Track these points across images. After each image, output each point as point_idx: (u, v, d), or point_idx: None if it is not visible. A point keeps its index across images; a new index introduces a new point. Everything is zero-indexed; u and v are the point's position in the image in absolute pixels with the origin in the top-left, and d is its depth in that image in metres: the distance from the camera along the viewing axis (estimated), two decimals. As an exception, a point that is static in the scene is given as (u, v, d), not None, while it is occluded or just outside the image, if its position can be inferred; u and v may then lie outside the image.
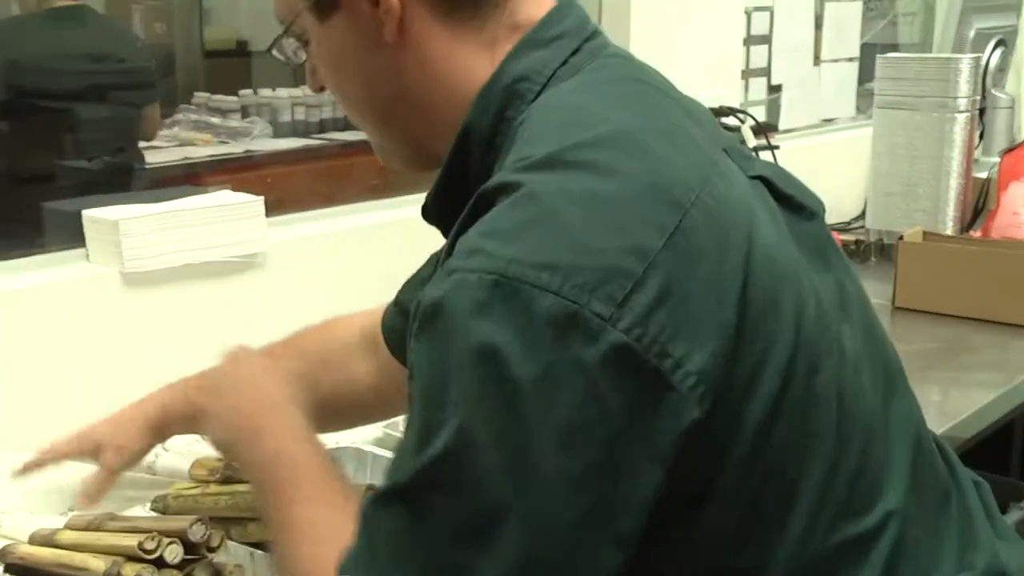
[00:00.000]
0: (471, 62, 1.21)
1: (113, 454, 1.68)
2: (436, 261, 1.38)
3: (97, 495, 1.65)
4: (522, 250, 1.00)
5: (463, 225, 1.10)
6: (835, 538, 1.11)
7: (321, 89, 1.34)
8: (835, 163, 3.61)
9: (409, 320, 1.07)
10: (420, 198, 2.67)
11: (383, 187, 5.20)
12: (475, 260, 1.01)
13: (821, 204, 1.31)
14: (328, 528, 1.16)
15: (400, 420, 1.86)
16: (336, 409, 1.69)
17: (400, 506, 1.03)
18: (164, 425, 1.73)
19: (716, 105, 3.26)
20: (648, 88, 1.23)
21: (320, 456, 1.30)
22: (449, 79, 1.22)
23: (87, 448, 1.70)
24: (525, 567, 0.99)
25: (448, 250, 1.13)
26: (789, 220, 1.21)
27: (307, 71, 1.35)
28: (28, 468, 1.71)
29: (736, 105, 3.34)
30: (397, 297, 1.73)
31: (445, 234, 1.23)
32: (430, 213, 1.29)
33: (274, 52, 1.34)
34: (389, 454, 1.75)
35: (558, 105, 1.17)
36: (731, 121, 3.27)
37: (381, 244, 2.52)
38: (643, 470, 1.00)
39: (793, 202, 1.24)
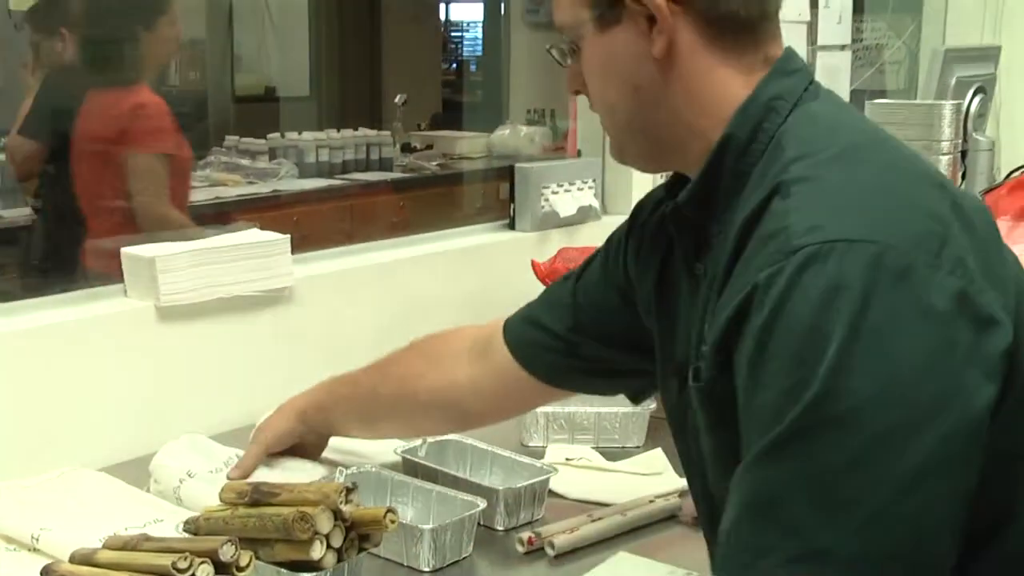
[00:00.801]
0: (728, 84, 1.30)
1: (263, 432, 1.90)
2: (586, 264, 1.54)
3: (249, 468, 1.83)
4: (851, 223, 1.11)
5: (757, 212, 1.20)
6: None
7: (576, 92, 1.42)
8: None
9: (749, 297, 1.14)
10: (435, 236, 2.69)
11: (401, 225, 5.23)
12: (818, 234, 1.11)
13: None
14: None
15: (417, 445, 1.86)
16: (438, 405, 1.80)
17: (790, 453, 1.09)
18: (303, 411, 1.92)
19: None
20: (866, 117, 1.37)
21: None
22: (706, 96, 1.31)
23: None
24: (915, 477, 1.06)
25: (738, 249, 1.21)
26: None
27: (569, 74, 1.41)
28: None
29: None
30: (529, 313, 1.77)
31: (686, 230, 1.35)
32: (680, 214, 1.35)
33: (552, 52, 1.41)
34: (407, 478, 1.76)
35: (816, 115, 1.28)
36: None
37: (399, 279, 2.53)
38: (978, 383, 1.10)
39: None
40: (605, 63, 1.34)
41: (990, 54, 4.34)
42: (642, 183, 3.07)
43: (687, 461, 1.43)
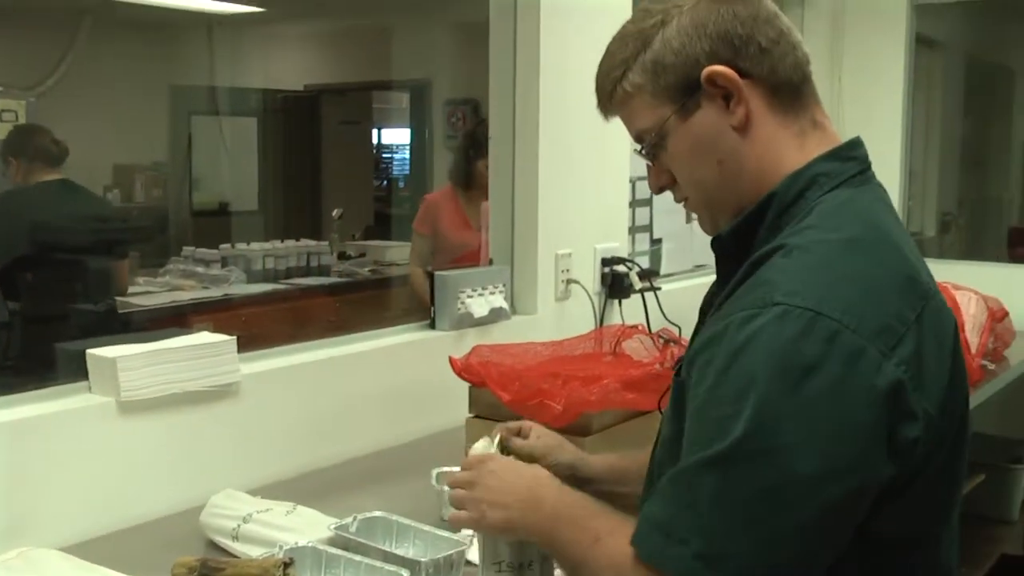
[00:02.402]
0: (786, 146, 1.34)
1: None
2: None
3: None
4: (826, 299, 1.16)
5: (763, 259, 1.26)
6: None
7: (662, 189, 1.44)
8: (705, 301, 3.65)
9: (727, 326, 1.20)
10: (366, 335, 2.68)
11: (338, 324, 5.21)
12: (796, 298, 1.16)
13: None
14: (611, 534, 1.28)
15: (348, 522, 1.84)
16: None
17: (720, 470, 1.15)
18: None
19: (610, 256, 3.31)
20: (894, 214, 1.37)
21: (585, 499, 1.40)
22: (770, 158, 1.34)
23: None
24: (814, 518, 1.14)
25: (748, 273, 1.27)
26: None
27: (654, 175, 1.44)
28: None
29: (625, 255, 3.38)
30: None
31: (723, 258, 1.39)
32: (721, 243, 1.39)
33: (642, 154, 1.41)
34: (340, 552, 1.74)
35: (845, 202, 1.31)
36: (621, 268, 3.31)
37: (335, 374, 2.51)
38: (881, 460, 1.16)
39: None
40: (693, 146, 1.35)
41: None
42: (547, 288, 3.09)
43: (655, 445, 1.46)
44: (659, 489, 1.23)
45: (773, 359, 1.14)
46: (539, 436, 1.71)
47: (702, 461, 1.17)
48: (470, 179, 4.17)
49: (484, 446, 1.60)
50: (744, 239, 1.33)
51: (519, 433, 1.73)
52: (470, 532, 1.71)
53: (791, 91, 1.34)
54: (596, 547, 1.29)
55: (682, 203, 1.44)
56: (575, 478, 1.66)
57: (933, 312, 1.23)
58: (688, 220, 3.59)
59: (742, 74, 1.31)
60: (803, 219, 1.28)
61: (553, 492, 1.41)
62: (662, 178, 1.42)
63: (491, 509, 1.45)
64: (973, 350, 3.35)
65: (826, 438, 1.13)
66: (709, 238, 1.44)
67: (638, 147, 1.41)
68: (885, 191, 1.39)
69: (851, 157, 1.35)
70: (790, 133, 1.34)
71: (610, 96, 1.40)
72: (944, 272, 3.65)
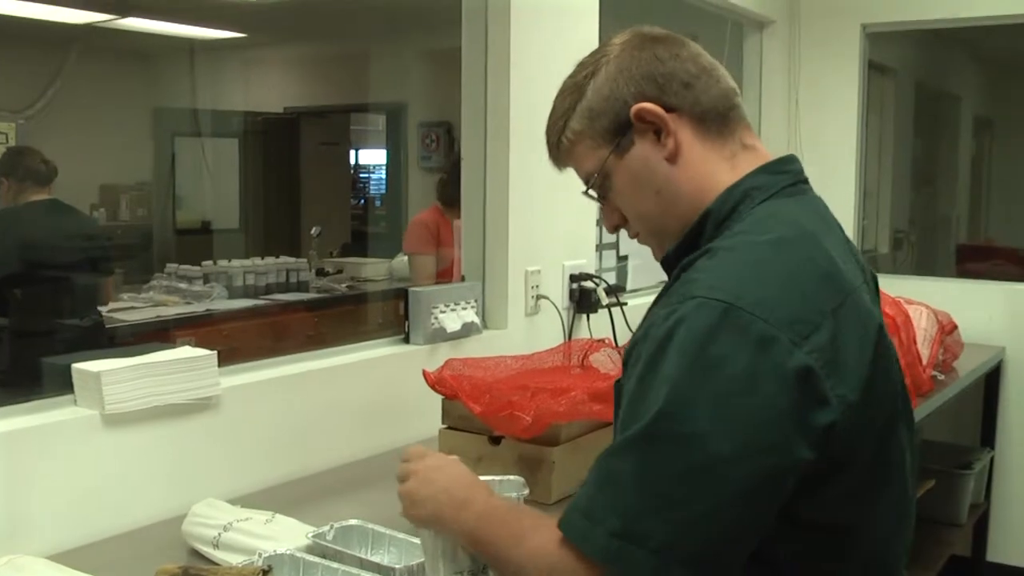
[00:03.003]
0: (718, 168, 1.39)
1: None
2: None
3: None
4: (741, 292, 1.19)
5: (691, 263, 1.30)
6: None
7: (615, 228, 1.49)
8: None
9: (653, 322, 1.24)
10: (343, 349, 2.68)
11: (316, 338, 5.20)
12: (715, 292, 1.20)
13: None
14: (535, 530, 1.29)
15: (325, 530, 1.83)
16: None
17: (638, 452, 1.18)
18: None
19: (578, 272, 3.31)
20: (826, 222, 1.40)
21: (515, 504, 1.46)
22: (702, 179, 1.38)
23: None
24: (730, 500, 1.15)
25: (676, 278, 1.32)
26: None
27: (606, 214, 1.49)
28: None
29: (593, 271, 3.39)
30: None
31: (675, 267, 1.39)
32: (668, 263, 1.42)
33: (590, 193, 1.47)
34: (317, 559, 1.73)
35: (775, 210, 1.34)
36: (589, 284, 3.32)
37: (313, 387, 2.50)
38: (798, 444, 1.17)
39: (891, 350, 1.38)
40: (632, 180, 1.41)
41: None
42: (517, 303, 3.09)
43: None
44: (588, 473, 1.24)
45: (688, 347, 1.17)
46: None
47: (620, 443, 1.20)
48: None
49: None
50: (687, 256, 1.35)
51: None
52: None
53: (717, 119, 1.39)
54: (522, 544, 1.30)
55: (635, 238, 1.49)
56: None
57: (853, 307, 1.26)
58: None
59: (668, 108, 1.37)
60: (734, 229, 1.32)
61: (483, 494, 1.43)
62: (614, 217, 1.48)
63: (422, 502, 1.46)
64: (924, 361, 3.38)
65: (739, 422, 1.15)
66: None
67: (585, 189, 1.47)
68: (820, 202, 1.43)
69: (782, 171, 1.40)
70: (721, 156, 1.39)
71: (557, 146, 1.47)
72: (896, 287, 3.70)
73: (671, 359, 1.18)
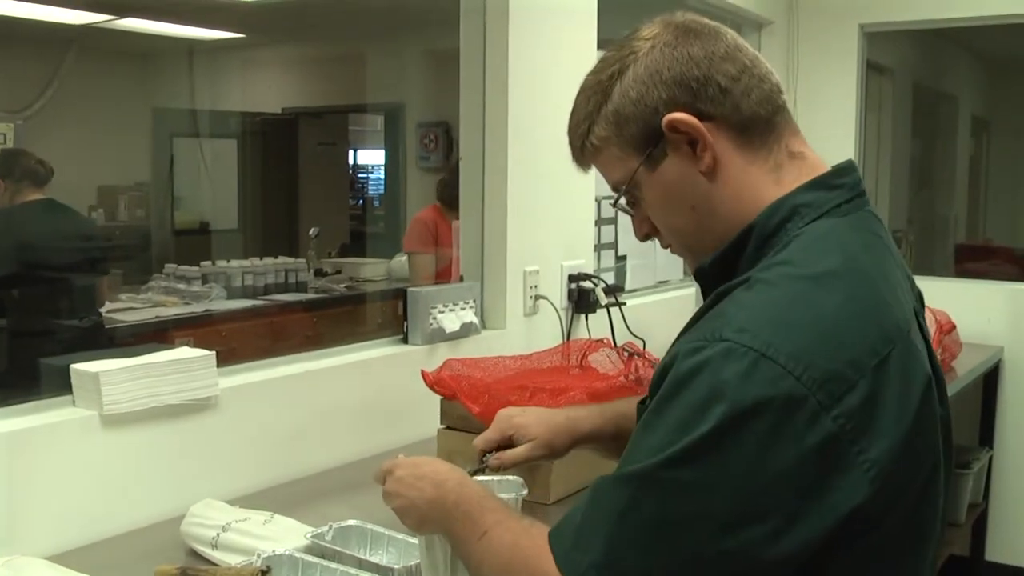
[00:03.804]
0: (760, 183, 1.26)
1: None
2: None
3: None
4: (775, 339, 1.09)
5: (729, 291, 1.19)
6: None
7: (646, 237, 1.38)
8: (668, 314, 3.66)
9: (675, 356, 1.15)
10: (341, 349, 2.67)
11: (314, 339, 5.20)
12: (744, 336, 1.09)
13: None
14: (521, 533, 1.26)
15: (324, 530, 1.83)
16: None
17: (634, 488, 1.12)
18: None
19: (576, 272, 3.31)
20: (883, 243, 1.27)
21: (482, 495, 1.38)
22: (742, 196, 1.26)
23: None
24: (717, 559, 1.08)
25: (711, 304, 1.22)
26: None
27: (636, 224, 1.38)
28: None
29: (591, 271, 3.38)
30: None
31: (707, 289, 1.29)
32: (704, 275, 1.32)
33: (619, 206, 1.36)
34: (315, 559, 1.72)
35: (825, 234, 1.21)
36: (588, 284, 3.31)
37: (311, 387, 2.50)
38: (806, 527, 1.08)
39: (939, 374, 1.27)
40: (664, 194, 1.29)
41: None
42: (515, 303, 3.09)
43: None
44: (585, 495, 1.20)
45: (710, 395, 1.08)
46: (531, 439, 1.72)
47: (622, 476, 1.14)
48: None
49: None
50: (725, 271, 1.26)
51: (508, 444, 1.73)
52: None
53: (760, 125, 1.26)
54: (481, 541, 1.28)
55: (667, 249, 1.39)
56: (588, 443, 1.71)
57: (900, 357, 1.13)
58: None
59: (704, 117, 1.24)
60: (780, 252, 1.21)
61: (453, 488, 1.39)
62: (644, 226, 1.37)
63: (406, 508, 1.45)
64: (922, 361, 3.37)
65: (744, 483, 1.06)
66: (671, 255, 1.40)
67: (614, 201, 1.36)
68: (878, 219, 1.29)
69: (837, 185, 1.26)
70: (764, 169, 1.26)
71: (581, 150, 1.35)
72: (894, 287, 3.69)
73: (689, 404, 1.09)
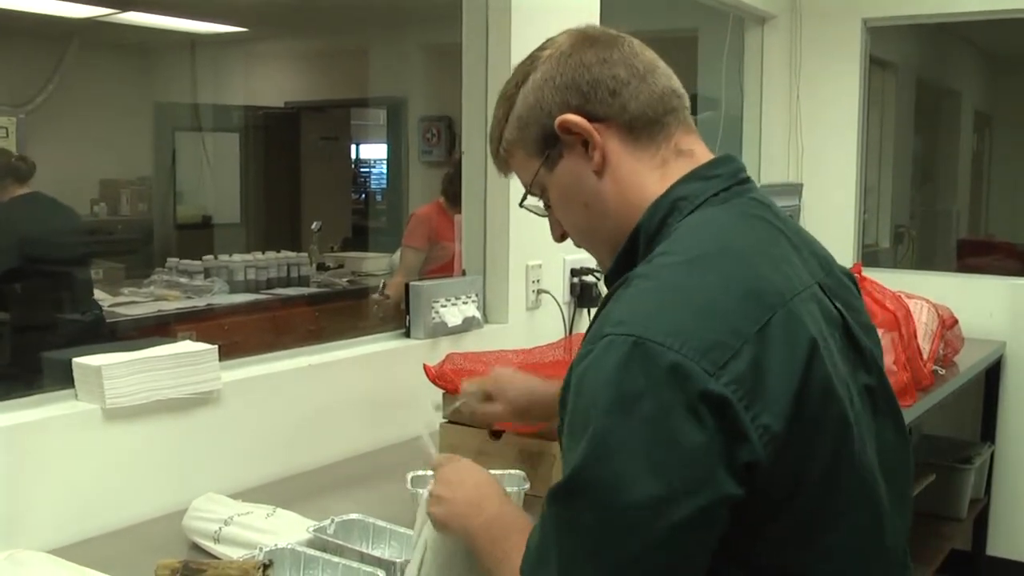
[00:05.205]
0: (647, 179, 1.32)
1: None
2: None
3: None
4: (651, 323, 1.12)
5: (613, 292, 1.24)
6: None
7: (562, 237, 1.44)
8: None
9: (571, 368, 1.18)
10: (344, 344, 2.67)
11: (316, 333, 5.20)
12: (622, 327, 1.13)
13: (881, 356, 1.39)
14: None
15: (326, 524, 1.83)
16: None
17: (560, 504, 1.15)
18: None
19: (578, 266, 3.31)
20: (765, 223, 1.31)
21: (517, 516, 1.39)
22: (631, 191, 1.32)
23: None
24: (655, 545, 1.09)
25: (601, 307, 1.26)
26: (848, 349, 1.28)
27: (551, 225, 1.45)
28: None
29: (593, 266, 3.38)
30: None
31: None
32: (608, 283, 1.35)
33: (525, 206, 1.44)
34: (318, 553, 1.73)
35: (701, 223, 1.27)
36: (590, 278, 3.31)
37: (313, 381, 2.50)
38: (722, 480, 1.09)
39: (859, 344, 1.31)
40: (562, 193, 1.37)
41: (794, 189, 4.46)
42: (517, 297, 3.09)
43: None
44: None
45: (601, 390, 1.11)
46: (509, 401, 1.83)
47: (551, 493, 1.16)
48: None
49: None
50: (619, 274, 1.29)
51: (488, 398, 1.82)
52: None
53: (648, 125, 1.32)
54: (500, 565, 1.31)
55: (582, 248, 1.45)
56: None
57: (782, 323, 1.15)
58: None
59: (594, 118, 1.31)
60: (660, 246, 1.26)
61: (495, 506, 1.41)
62: (557, 227, 1.44)
63: (437, 502, 1.46)
64: (925, 356, 3.37)
65: (659, 462, 1.08)
66: None
67: (521, 201, 1.44)
68: (760, 203, 1.33)
69: (713, 175, 1.32)
70: (650, 166, 1.32)
71: (496, 155, 1.44)
72: (897, 282, 3.70)
73: (587, 404, 1.12)
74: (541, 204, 1.43)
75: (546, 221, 1.46)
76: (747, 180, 1.35)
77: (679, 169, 1.32)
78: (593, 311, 3.32)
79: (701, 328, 1.12)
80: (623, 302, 1.18)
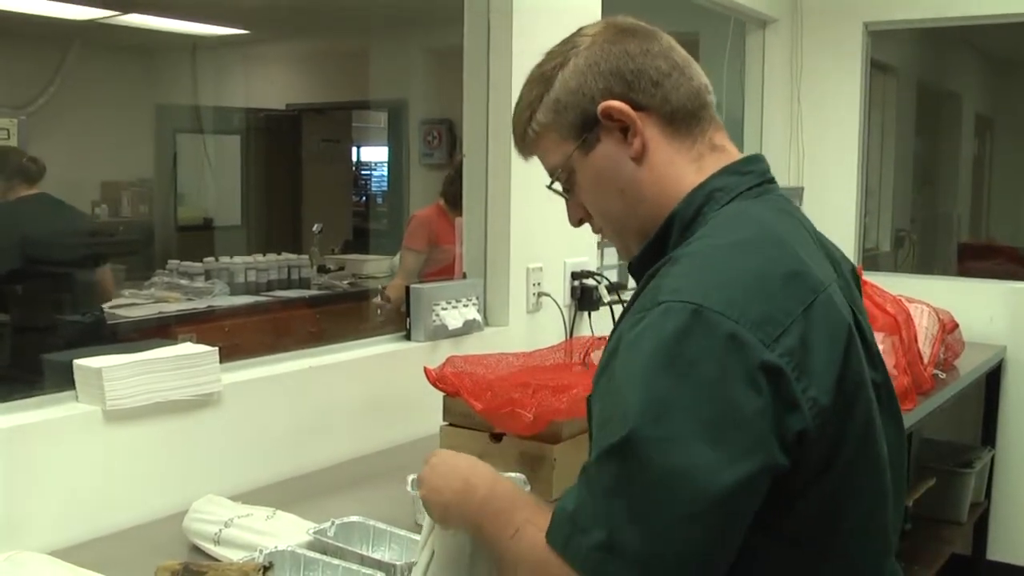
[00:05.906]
0: (683, 170, 1.36)
1: None
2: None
3: None
4: (705, 292, 1.16)
5: (657, 271, 1.27)
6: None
7: (580, 222, 1.48)
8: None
9: (620, 335, 1.23)
10: (344, 346, 2.67)
11: (317, 335, 5.20)
12: (679, 294, 1.17)
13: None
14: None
15: (326, 526, 1.83)
16: None
17: (615, 463, 1.14)
18: None
19: (579, 269, 3.31)
20: (795, 220, 1.37)
21: (515, 492, 1.38)
22: (666, 181, 1.36)
23: None
24: (712, 506, 1.11)
25: (643, 286, 1.29)
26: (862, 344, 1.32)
27: (570, 209, 1.48)
28: None
29: (594, 269, 3.39)
30: None
31: (640, 282, 1.36)
32: (634, 269, 1.40)
33: (553, 188, 1.46)
34: (318, 556, 1.73)
35: (739, 212, 1.32)
36: (591, 282, 3.31)
37: (314, 383, 2.50)
38: (773, 448, 1.14)
39: (868, 340, 1.35)
40: (596, 178, 1.39)
41: (795, 193, 4.46)
42: (518, 300, 3.09)
43: None
44: (577, 480, 1.22)
45: (659, 352, 1.14)
46: None
47: (601, 453, 1.16)
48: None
49: None
50: (654, 261, 1.32)
51: None
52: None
53: (686, 118, 1.37)
54: (514, 539, 1.28)
55: (599, 234, 1.48)
56: None
57: (823, 306, 1.21)
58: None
59: (636, 107, 1.35)
60: (698, 234, 1.30)
61: (487, 483, 1.39)
62: (578, 211, 1.46)
63: (429, 495, 1.44)
64: (925, 360, 3.37)
65: (715, 425, 1.11)
66: None
67: (550, 183, 1.45)
68: (788, 201, 1.40)
69: (747, 171, 1.37)
70: (688, 158, 1.37)
71: (523, 137, 1.46)
72: (898, 286, 3.70)
73: (644, 366, 1.15)
74: (561, 188, 1.45)
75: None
76: (773, 180, 1.41)
77: (714, 163, 1.37)
78: (593, 314, 3.32)
79: (755, 303, 1.16)
80: (674, 276, 1.22)
